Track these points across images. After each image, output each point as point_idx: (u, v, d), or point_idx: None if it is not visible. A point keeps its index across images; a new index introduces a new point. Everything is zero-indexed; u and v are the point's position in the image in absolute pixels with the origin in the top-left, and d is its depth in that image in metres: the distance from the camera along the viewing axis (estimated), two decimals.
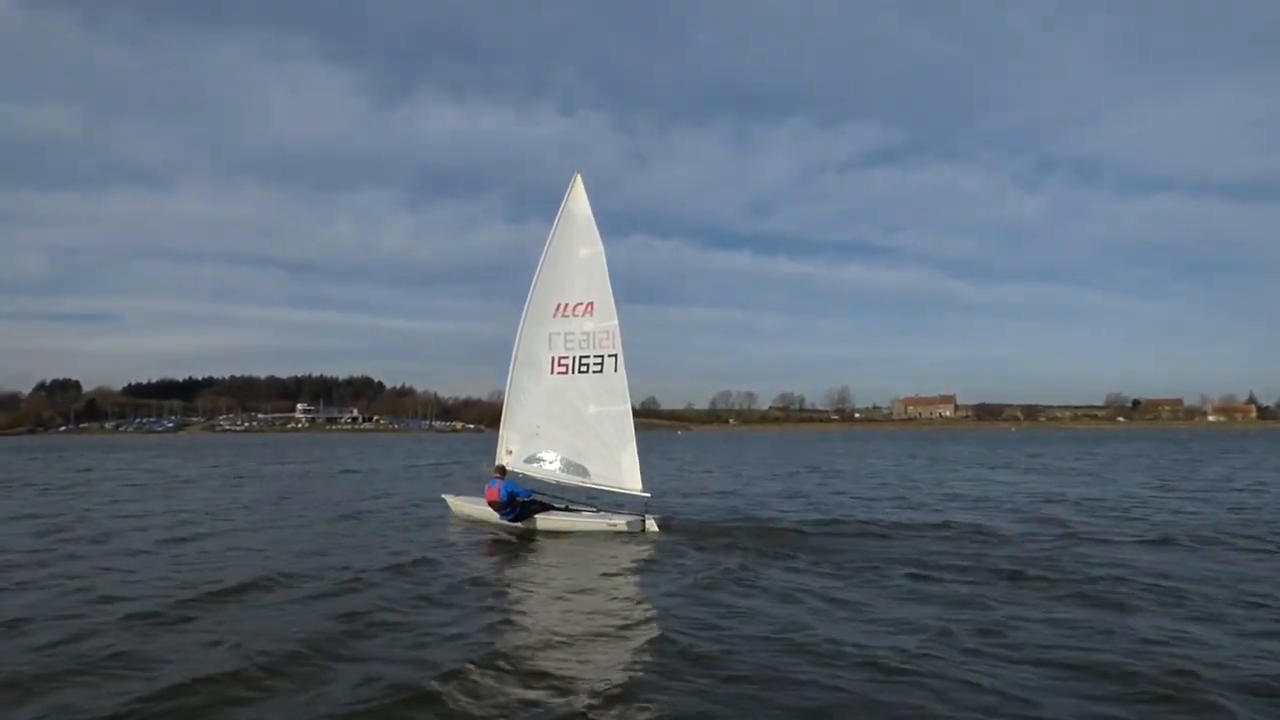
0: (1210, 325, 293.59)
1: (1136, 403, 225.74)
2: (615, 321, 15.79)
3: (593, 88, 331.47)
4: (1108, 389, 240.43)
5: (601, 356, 15.87)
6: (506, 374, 16.68)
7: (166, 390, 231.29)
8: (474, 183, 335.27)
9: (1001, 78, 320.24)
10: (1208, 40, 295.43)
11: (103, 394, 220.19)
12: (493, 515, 15.94)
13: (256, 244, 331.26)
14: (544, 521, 15.59)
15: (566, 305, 16.13)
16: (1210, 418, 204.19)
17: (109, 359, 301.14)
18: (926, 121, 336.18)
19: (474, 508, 17.18)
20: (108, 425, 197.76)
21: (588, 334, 15.96)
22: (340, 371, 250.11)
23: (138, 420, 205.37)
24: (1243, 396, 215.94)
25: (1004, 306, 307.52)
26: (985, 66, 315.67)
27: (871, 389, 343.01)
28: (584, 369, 15.98)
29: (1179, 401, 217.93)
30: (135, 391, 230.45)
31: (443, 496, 19.17)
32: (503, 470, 16.14)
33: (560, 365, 16.19)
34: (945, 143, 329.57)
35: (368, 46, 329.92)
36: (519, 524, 15.55)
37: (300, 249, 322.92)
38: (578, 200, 16.02)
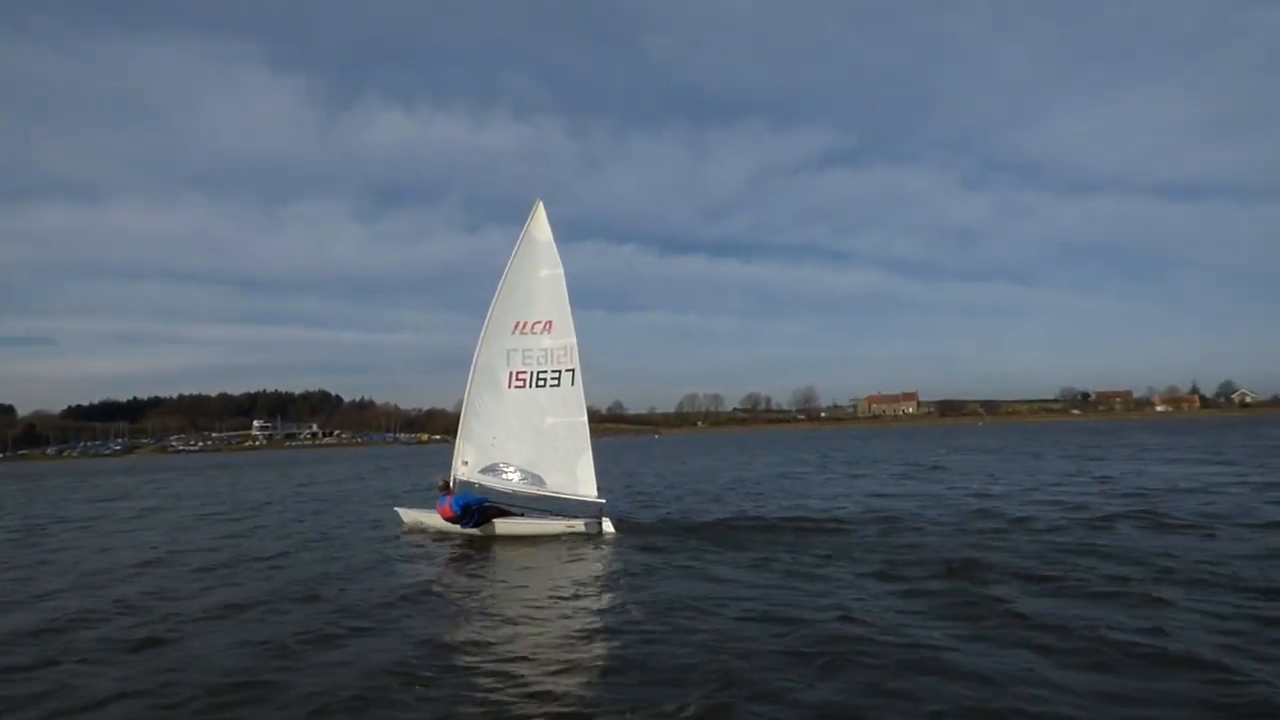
0: (1143, 321, 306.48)
1: (1086, 395, 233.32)
2: (574, 339, 16.33)
3: (545, 94, 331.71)
4: (1056, 383, 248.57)
5: (559, 371, 16.41)
6: (466, 383, 17.02)
7: (109, 412, 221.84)
8: (426, 192, 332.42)
9: (946, 81, 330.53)
10: (1142, 44, 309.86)
11: (40, 418, 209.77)
12: (449, 524, 16.25)
13: (200, 259, 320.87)
14: (503, 526, 15.96)
15: (525, 323, 16.58)
16: (1159, 408, 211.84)
17: (43, 383, 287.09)
18: (874, 125, 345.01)
19: (429, 517, 17.26)
20: (49, 451, 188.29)
21: (545, 350, 16.49)
22: (293, 387, 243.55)
23: (81, 444, 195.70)
24: (1182, 388, 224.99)
25: (954, 305, 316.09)
26: (930, 70, 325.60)
27: (831, 388, 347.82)
28: (541, 383, 16.50)
29: (1129, 393, 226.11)
30: (76, 414, 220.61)
31: (395, 510, 19.02)
32: (447, 485, 16.52)
33: (518, 380, 16.65)
34: (893, 145, 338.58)
35: (313, 52, 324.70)
36: (476, 530, 15.84)
37: (247, 263, 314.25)
38: (539, 226, 16.53)
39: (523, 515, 16.20)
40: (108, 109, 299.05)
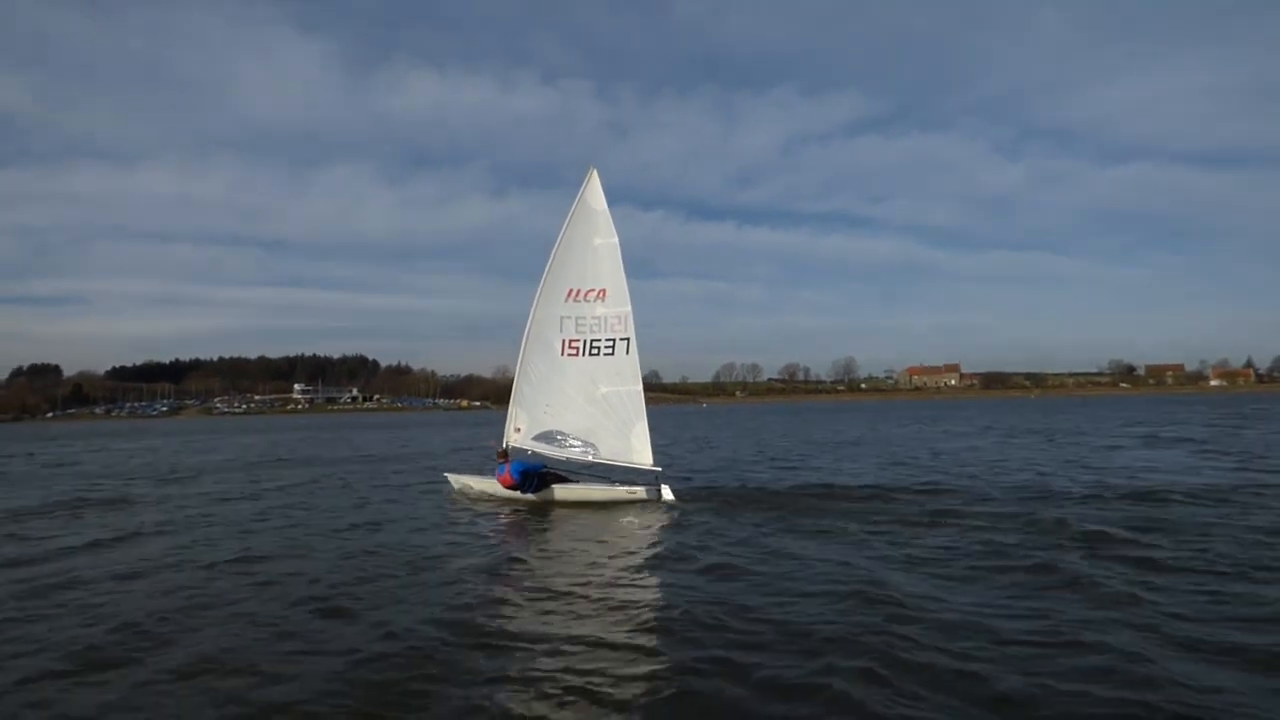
0: (1183, 293, 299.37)
1: (1132, 368, 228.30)
2: (628, 308, 16.14)
3: (574, 57, 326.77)
4: (1094, 356, 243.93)
5: (613, 340, 16.22)
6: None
7: (153, 373, 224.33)
8: (455, 156, 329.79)
9: (981, 47, 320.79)
10: (1183, 9, 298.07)
11: (86, 378, 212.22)
12: (499, 489, 16.25)
13: (231, 222, 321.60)
14: (562, 492, 15.88)
15: (579, 291, 16.38)
16: (1213, 382, 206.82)
17: (82, 342, 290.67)
18: (908, 90, 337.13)
19: (479, 482, 17.36)
20: (98, 411, 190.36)
21: (599, 318, 16.30)
22: (328, 350, 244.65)
23: (128, 405, 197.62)
24: (1233, 362, 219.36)
25: (989, 275, 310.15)
26: (965, 35, 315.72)
27: (865, 359, 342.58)
28: (595, 351, 16.31)
29: (1180, 367, 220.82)
30: (120, 375, 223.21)
31: (445, 475, 18.94)
32: (505, 454, 16.35)
33: (571, 348, 16.48)
34: (927, 112, 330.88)
35: (342, 15, 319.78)
36: (534, 496, 15.77)
37: (277, 227, 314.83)
38: (594, 193, 16.25)
39: (579, 482, 16.15)
40: (138, 72, 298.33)
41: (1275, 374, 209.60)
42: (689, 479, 19.48)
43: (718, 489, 17.18)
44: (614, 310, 16.19)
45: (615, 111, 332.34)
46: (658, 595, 8.53)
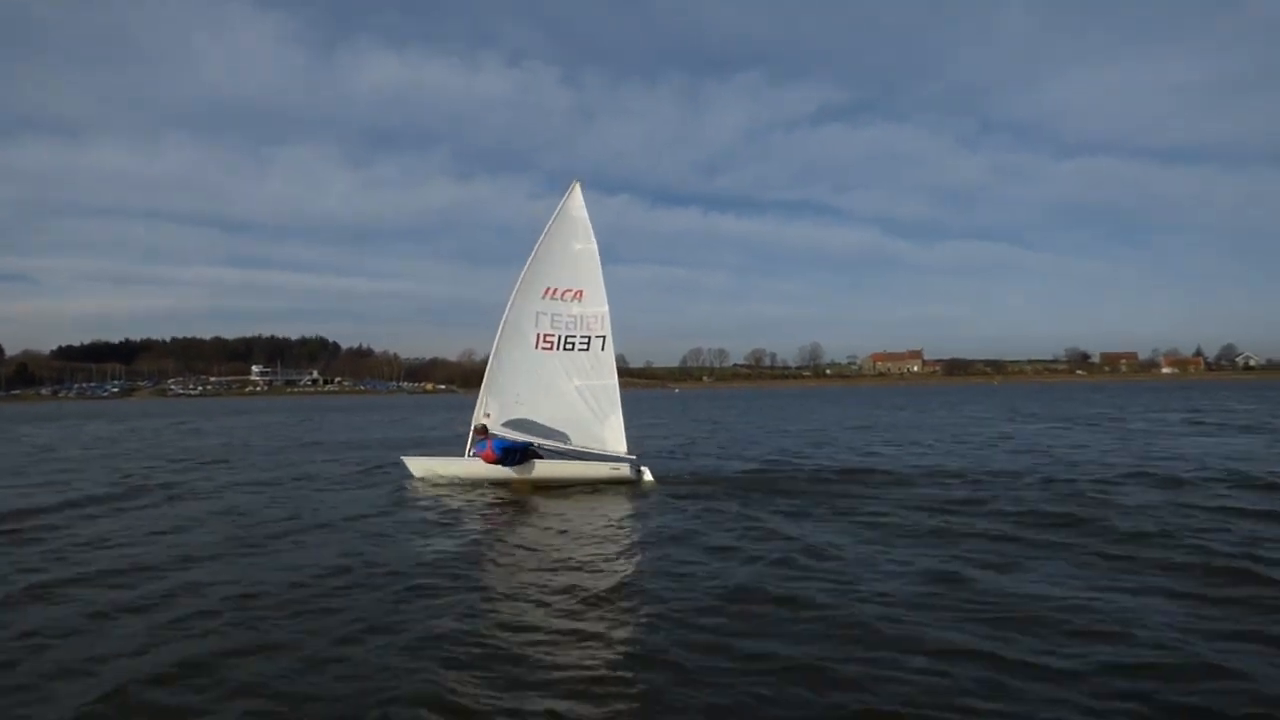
0: (1136, 285, 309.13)
1: (1086, 356, 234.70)
2: (605, 308, 16.70)
3: (541, 40, 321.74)
4: (1050, 344, 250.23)
5: (588, 337, 16.73)
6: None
7: (102, 353, 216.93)
8: (418, 138, 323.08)
9: (947, 39, 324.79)
10: (1142, 8, 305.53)
11: (31, 358, 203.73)
12: (469, 471, 16.29)
13: (188, 201, 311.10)
14: (543, 468, 16.12)
15: (556, 290, 16.80)
16: (1165, 370, 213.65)
17: (27, 322, 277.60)
18: (873, 81, 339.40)
19: (449, 465, 17.05)
20: (44, 391, 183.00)
21: (575, 316, 16.77)
22: (286, 331, 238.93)
23: (76, 386, 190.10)
24: (1183, 351, 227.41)
25: (952, 265, 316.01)
26: (931, 27, 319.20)
27: (829, 347, 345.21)
28: (569, 347, 16.75)
29: (1133, 355, 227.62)
30: (66, 355, 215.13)
31: (401, 459, 18.05)
32: (484, 430, 16.38)
33: (545, 341, 16.83)
34: (891, 103, 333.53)
35: None
36: (513, 471, 15.98)
37: (235, 206, 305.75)
38: (575, 203, 16.71)
39: (560, 459, 16.41)
40: (90, 46, 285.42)
41: (1223, 362, 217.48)
42: (782, 470, 18.57)
43: (812, 470, 16.25)
44: (590, 310, 16.74)
45: (582, 95, 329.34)
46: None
